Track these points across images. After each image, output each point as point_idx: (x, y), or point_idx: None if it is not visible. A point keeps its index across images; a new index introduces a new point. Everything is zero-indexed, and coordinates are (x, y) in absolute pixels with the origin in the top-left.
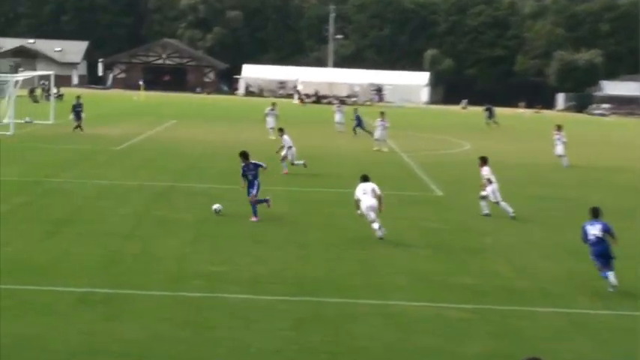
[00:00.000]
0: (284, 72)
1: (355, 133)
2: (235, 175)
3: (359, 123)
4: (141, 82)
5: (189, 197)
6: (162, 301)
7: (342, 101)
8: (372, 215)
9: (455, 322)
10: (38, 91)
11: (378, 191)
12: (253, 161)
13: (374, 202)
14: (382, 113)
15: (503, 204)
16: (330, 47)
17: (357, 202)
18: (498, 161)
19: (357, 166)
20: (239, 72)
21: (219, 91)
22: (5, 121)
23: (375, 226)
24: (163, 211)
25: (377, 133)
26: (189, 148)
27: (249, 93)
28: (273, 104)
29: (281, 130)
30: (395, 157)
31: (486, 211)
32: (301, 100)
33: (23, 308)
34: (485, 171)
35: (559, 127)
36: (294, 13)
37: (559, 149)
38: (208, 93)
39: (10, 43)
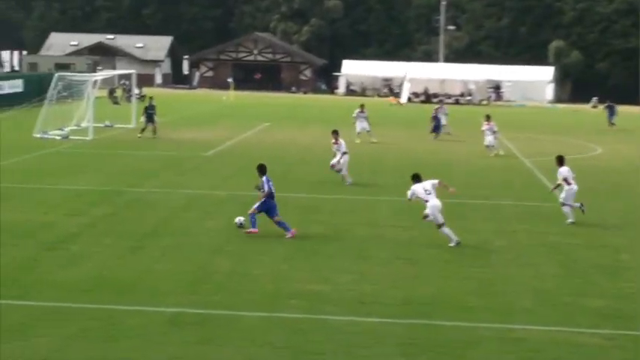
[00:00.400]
0: (389, 68)
1: (438, 135)
2: (333, 183)
3: (437, 124)
4: (230, 81)
5: (284, 208)
6: (258, 323)
7: (456, 100)
8: (441, 218)
9: (586, 348)
10: (119, 92)
11: (437, 183)
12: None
13: (439, 202)
14: (488, 116)
15: (566, 209)
16: (441, 40)
17: (411, 198)
18: (636, 169)
19: (471, 174)
20: (338, 68)
21: (317, 90)
22: (84, 124)
23: (446, 231)
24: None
25: (486, 139)
26: (284, 154)
27: (350, 92)
28: (362, 106)
29: (335, 133)
30: (515, 162)
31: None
32: (409, 99)
33: (110, 330)
34: (564, 171)
35: None
36: (401, 1)
37: None
38: (305, 92)
39: (87, 39)
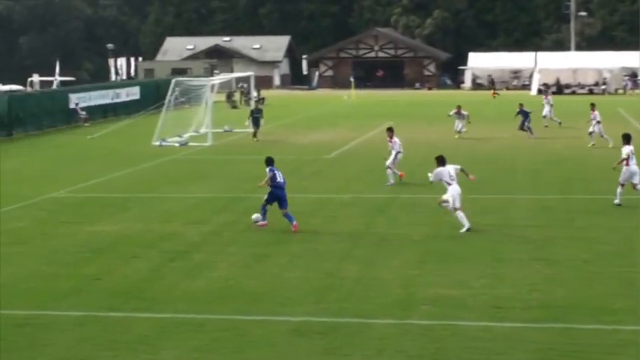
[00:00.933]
0: (518, 59)
1: (526, 130)
2: (463, 183)
3: (525, 119)
4: (351, 80)
5: (413, 210)
6: (389, 331)
7: (590, 90)
8: (459, 203)
9: None
10: (237, 95)
11: (459, 169)
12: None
13: (460, 189)
14: (593, 105)
15: (619, 189)
16: (572, 27)
17: (434, 181)
18: None
19: (606, 167)
20: (464, 62)
21: (442, 86)
22: (202, 130)
23: (461, 215)
24: (383, 227)
25: (591, 128)
26: (409, 153)
27: (476, 86)
28: (459, 107)
29: (390, 130)
30: None
31: (617, 201)
32: (539, 91)
33: (237, 341)
34: (626, 149)
35: None
36: None
37: None
38: (429, 88)
39: (203, 42)
